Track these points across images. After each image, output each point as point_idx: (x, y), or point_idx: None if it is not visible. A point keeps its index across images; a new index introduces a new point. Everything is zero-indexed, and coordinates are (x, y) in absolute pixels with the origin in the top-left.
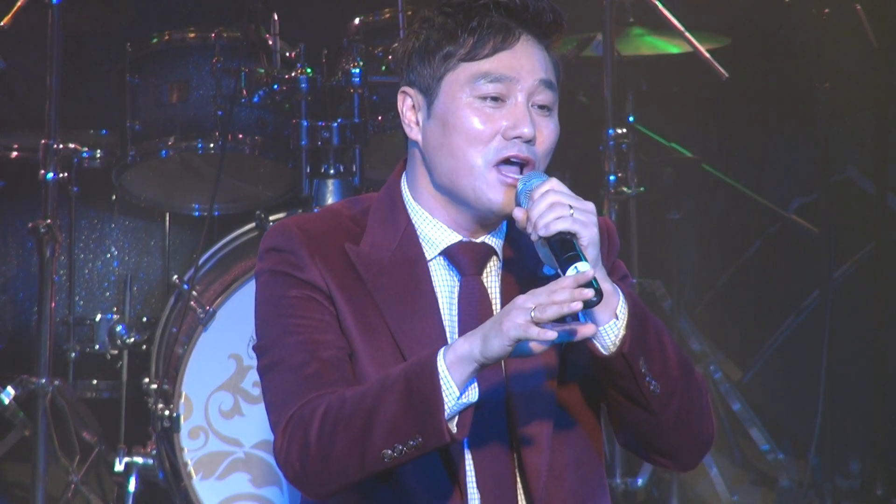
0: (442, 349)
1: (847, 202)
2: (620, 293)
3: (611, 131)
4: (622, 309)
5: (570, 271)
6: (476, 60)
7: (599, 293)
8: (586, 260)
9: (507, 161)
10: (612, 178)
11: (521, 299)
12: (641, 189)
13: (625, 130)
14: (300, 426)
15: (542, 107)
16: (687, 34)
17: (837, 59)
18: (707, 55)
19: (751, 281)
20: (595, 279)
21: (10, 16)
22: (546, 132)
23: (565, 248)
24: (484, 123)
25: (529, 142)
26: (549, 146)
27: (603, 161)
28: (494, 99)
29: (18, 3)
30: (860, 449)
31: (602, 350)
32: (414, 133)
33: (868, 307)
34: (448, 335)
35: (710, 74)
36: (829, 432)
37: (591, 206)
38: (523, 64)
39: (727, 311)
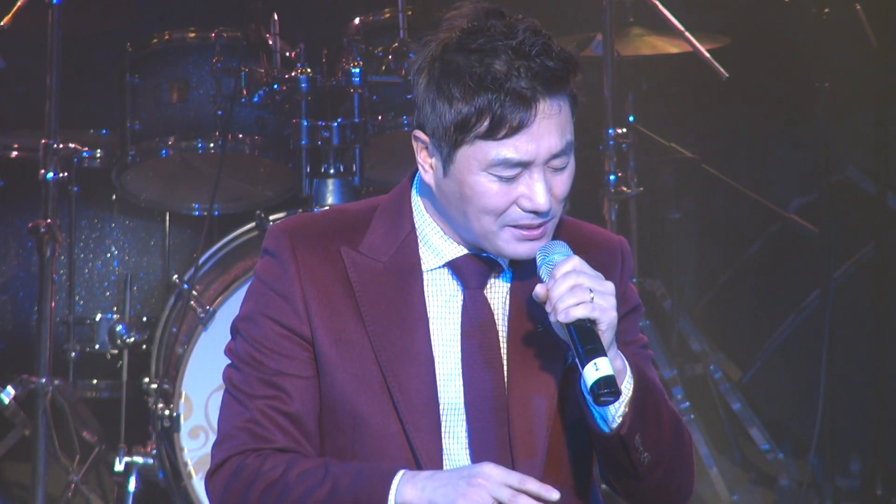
0: (395, 481)
1: (847, 202)
2: (628, 367)
3: (611, 131)
4: (628, 383)
5: (590, 367)
6: (493, 140)
7: (617, 394)
8: (605, 352)
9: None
10: (612, 177)
11: (483, 478)
12: (641, 189)
13: (625, 130)
14: (241, 482)
15: (556, 168)
16: (687, 34)
17: (837, 59)
18: (707, 55)
19: (751, 281)
20: (614, 378)
21: (9, 16)
22: (559, 187)
23: (584, 338)
24: (501, 197)
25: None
26: (563, 197)
27: (603, 161)
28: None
29: (18, 3)
30: (860, 449)
31: (601, 426)
32: (428, 177)
33: (868, 307)
34: (434, 350)
35: (710, 74)
36: (829, 432)
37: (611, 287)
38: (541, 144)
39: (727, 311)
